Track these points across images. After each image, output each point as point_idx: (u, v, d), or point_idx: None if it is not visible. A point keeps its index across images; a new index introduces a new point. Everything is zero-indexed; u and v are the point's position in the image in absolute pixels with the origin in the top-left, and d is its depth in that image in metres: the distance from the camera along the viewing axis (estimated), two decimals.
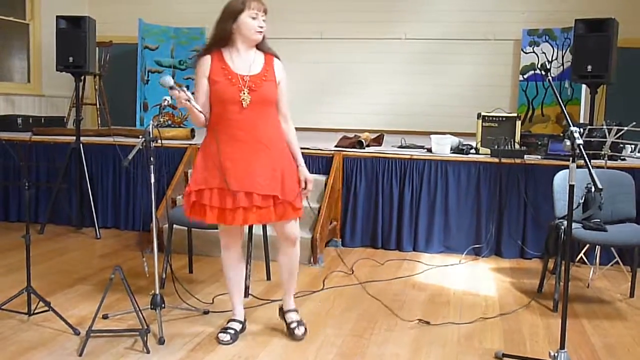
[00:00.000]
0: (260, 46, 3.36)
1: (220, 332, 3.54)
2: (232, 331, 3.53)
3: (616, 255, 5.15)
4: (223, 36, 3.31)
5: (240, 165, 3.23)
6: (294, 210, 3.35)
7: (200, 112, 3.25)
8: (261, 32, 3.27)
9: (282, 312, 3.73)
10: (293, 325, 3.60)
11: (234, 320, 3.61)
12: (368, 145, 6.25)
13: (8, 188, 6.49)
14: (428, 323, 3.88)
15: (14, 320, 3.69)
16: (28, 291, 3.68)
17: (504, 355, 3.36)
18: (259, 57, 3.35)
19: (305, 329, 3.61)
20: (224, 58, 3.30)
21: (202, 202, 3.30)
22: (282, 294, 3.76)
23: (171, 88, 3.20)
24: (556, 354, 3.07)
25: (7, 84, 8.03)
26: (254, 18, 3.25)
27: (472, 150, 5.86)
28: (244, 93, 3.23)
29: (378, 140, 6.57)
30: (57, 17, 6.35)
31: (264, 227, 4.75)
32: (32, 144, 6.44)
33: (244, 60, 3.30)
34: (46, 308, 3.65)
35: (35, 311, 3.69)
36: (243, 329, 3.63)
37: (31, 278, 3.69)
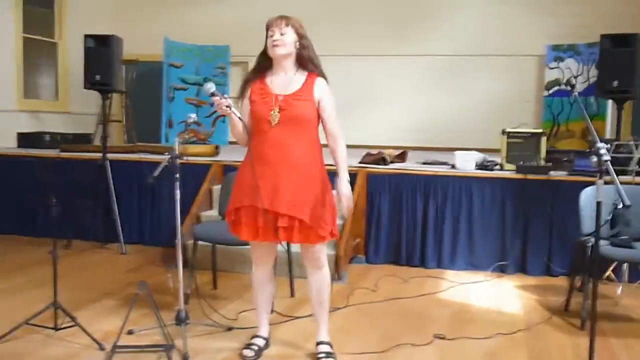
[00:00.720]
0: (304, 66, 3.35)
1: (245, 349, 3.54)
2: (255, 347, 3.53)
3: None
4: (259, 60, 3.38)
5: (268, 183, 3.23)
6: (319, 235, 3.31)
7: (240, 119, 3.27)
8: (276, 45, 3.25)
9: (316, 345, 3.60)
10: (320, 355, 3.49)
11: (258, 336, 3.61)
12: (392, 162, 6.24)
13: (36, 204, 6.57)
14: (444, 338, 3.85)
15: (40, 335, 3.72)
16: (55, 306, 3.71)
17: None
18: (300, 77, 3.34)
19: None
20: (265, 79, 3.34)
21: (239, 220, 3.34)
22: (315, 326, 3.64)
23: (212, 94, 3.24)
24: None
25: (36, 102, 8.16)
26: (271, 36, 3.28)
27: (497, 167, 5.82)
28: (274, 112, 3.24)
29: (402, 157, 6.56)
30: (85, 35, 6.46)
31: (288, 244, 4.75)
32: (59, 161, 6.52)
33: (282, 81, 3.32)
34: (72, 323, 3.67)
35: (62, 326, 3.72)
36: (267, 345, 3.63)
37: (57, 293, 3.73)
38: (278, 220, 3.24)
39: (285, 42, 3.26)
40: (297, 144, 3.28)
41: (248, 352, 3.50)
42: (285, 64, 3.32)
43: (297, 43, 3.30)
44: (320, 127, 3.41)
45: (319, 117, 3.36)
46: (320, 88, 3.34)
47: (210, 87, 3.28)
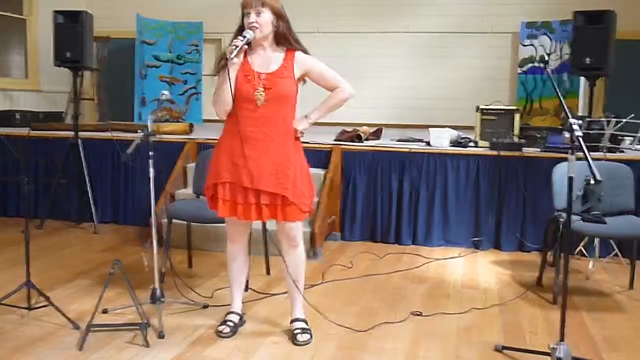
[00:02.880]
0: (281, 42, 3.34)
1: (220, 325, 3.55)
2: (231, 324, 3.55)
3: (615, 248, 5.17)
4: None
5: (251, 162, 3.25)
6: (301, 212, 3.35)
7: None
8: (253, 27, 3.22)
9: (290, 323, 3.62)
10: (296, 331, 3.51)
11: (232, 312, 3.62)
12: (367, 139, 6.25)
13: (6, 183, 6.48)
14: (420, 314, 3.89)
15: (14, 315, 3.69)
16: (28, 286, 3.68)
17: (504, 347, 3.37)
18: (279, 54, 3.34)
19: (311, 336, 3.50)
20: (246, 57, 3.31)
21: (216, 196, 3.35)
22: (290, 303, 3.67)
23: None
24: (556, 347, 3.07)
25: (5, 80, 8.01)
26: (247, 16, 3.25)
27: (471, 144, 5.85)
28: (259, 91, 3.24)
29: (377, 134, 6.56)
30: (54, 12, 6.34)
31: (263, 222, 4.74)
32: (30, 140, 6.43)
33: (263, 59, 3.32)
34: (46, 303, 3.65)
35: (35, 306, 3.69)
36: (242, 322, 3.65)
37: (31, 273, 3.69)
38: (261, 198, 3.27)
39: (262, 23, 3.24)
40: (280, 121, 3.30)
41: (224, 328, 3.52)
42: (264, 43, 3.31)
43: (275, 21, 3.28)
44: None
45: (297, 93, 3.36)
46: (300, 62, 3.34)
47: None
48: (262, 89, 3.25)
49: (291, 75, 3.31)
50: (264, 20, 3.24)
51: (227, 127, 3.37)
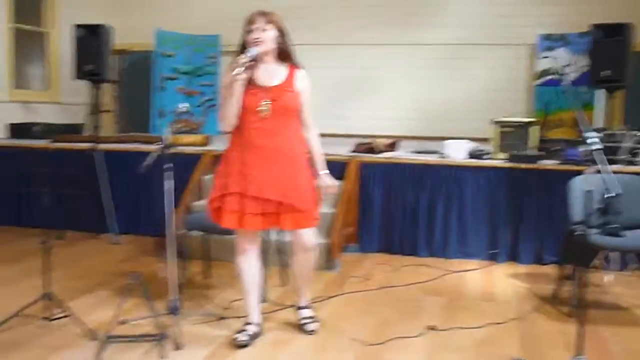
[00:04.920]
0: (283, 58, 3.49)
1: (237, 334, 3.57)
2: (248, 333, 3.57)
3: (635, 261, 5.12)
4: (240, 53, 3.41)
5: (258, 172, 3.37)
6: (309, 220, 3.47)
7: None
8: (258, 43, 3.37)
9: (296, 310, 3.88)
10: (304, 321, 3.75)
11: (249, 323, 3.64)
12: (380, 152, 6.25)
13: (28, 194, 6.55)
14: (434, 329, 3.87)
15: (33, 325, 3.72)
16: (47, 296, 3.72)
17: None
18: (283, 70, 3.48)
19: (317, 324, 3.74)
20: (253, 72, 3.43)
21: (223, 207, 3.42)
22: (297, 294, 3.90)
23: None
24: None
25: (26, 92, 8.11)
26: (251, 33, 3.39)
27: (488, 156, 5.84)
28: (264, 104, 3.36)
29: (392, 146, 6.56)
30: (74, 25, 6.42)
31: (280, 233, 4.76)
32: (50, 151, 6.51)
33: (267, 73, 3.45)
34: (65, 313, 3.68)
35: (55, 316, 3.73)
36: (259, 333, 3.65)
37: (50, 283, 3.73)
38: (267, 207, 3.38)
39: (266, 39, 3.39)
40: (285, 132, 3.44)
41: (241, 337, 3.53)
42: (267, 58, 3.45)
43: (278, 38, 3.44)
44: None
45: (300, 106, 3.52)
46: (301, 80, 3.52)
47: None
48: (266, 102, 3.38)
49: (294, 89, 3.47)
50: (269, 37, 3.40)
51: (233, 139, 3.51)
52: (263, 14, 3.41)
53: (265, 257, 4.44)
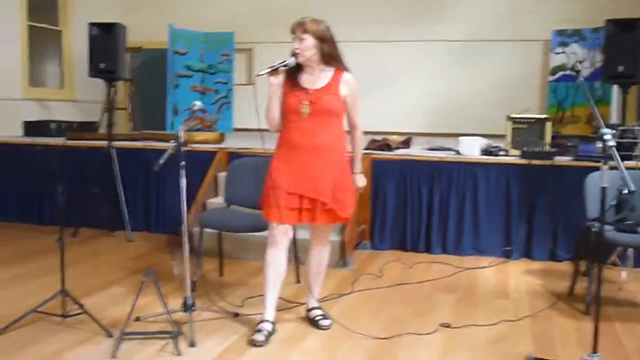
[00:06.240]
0: (328, 62, 3.63)
1: (255, 334, 3.58)
2: (265, 332, 3.58)
3: None
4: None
5: (295, 169, 3.57)
6: (337, 218, 3.66)
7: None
8: (297, 53, 3.54)
9: (307, 312, 3.94)
10: (318, 318, 3.84)
11: (265, 321, 3.65)
12: (396, 148, 6.24)
13: (42, 192, 6.60)
14: (448, 326, 3.86)
15: (48, 322, 3.76)
16: (63, 293, 3.74)
17: (535, 358, 3.34)
18: (327, 73, 3.64)
19: (331, 321, 3.82)
20: (297, 75, 3.63)
21: (266, 200, 3.63)
22: (307, 295, 3.97)
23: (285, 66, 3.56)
24: (588, 358, 3.04)
25: (41, 90, 8.17)
26: (294, 41, 3.57)
27: (502, 152, 5.82)
28: (304, 105, 3.54)
29: (406, 143, 6.56)
30: (89, 23, 6.46)
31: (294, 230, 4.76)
32: (65, 149, 6.56)
33: (311, 77, 3.63)
34: (80, 310, 3.71)
35: (70, 313, 3.75)
36: (274, 329, 3.67)
37: (65, 280, 3.76)
38: (303, 203, 3.55)
39: (304, 49, 3.54)
40: (324, 133, 3.60)
41: (259, 337, 3.54)
42: (310, 63, 3.60)
43: (317, 45, 3.55)
44: None
45: (344, 109, 3.68)
46: (346, 84, 3.66)
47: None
48: (307, 103, 3.54)
49: (337, 92, 3.62)
50: (306, 46, 3.54)
51: (281, 137, 3.68)
52: (300, 23, 3.56)
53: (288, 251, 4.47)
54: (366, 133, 6.23)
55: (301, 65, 3.60)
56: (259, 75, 3.51)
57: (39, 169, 6.48)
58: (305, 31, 3.53)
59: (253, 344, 3.52)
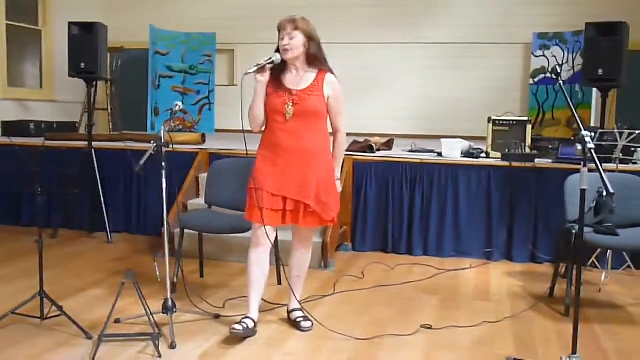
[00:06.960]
0: (313, 63, 3.61)
1: (234, 324, 3.56)
2: (245, 325, 3.57)
3: (628, 260, 5.14)
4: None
5: (279, 171, 3.54)
6: (321, 221, 3.66)
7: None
8: (285, 49, 3.52)
9: (288, 313, 3.93)
10: (299, 319, 3.81)
11: (248, 317, 3.64)
12: (378, 150, 6.25)
13: (21, 193, 6.53)
14: (431, 327, 3.86)
15: (27, 324, 3.71)
16: (41, 295, 3.70)
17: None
18: (310, 74, 3.62)
19: (312, 323, 3.80)
20: (281, 75, 3.61)
21: (249, 202, 3.63)
22: (289, 296, 3.95)
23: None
24: (568, 359, 3.06)
25: (20, 90, 8.08)
26: (281, 40, 3.55)
27: (483, 155, 5.85)
28: (288, 106, 3.53)
29: (388, 145, 6.57)
30: (69, 23, 6.40)
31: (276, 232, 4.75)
32: (44, 150, 6.49)
33: (294, 78, 3.61)
34: (59, 312, 3.67)
35: (48, 315, 3.71)
36: (255, 328, 3.65)
37: (44, 282, 3.72)
38: (286, 204, 3.55)
39: (294, 46, 3.53)
40: (309, 135, 3.58)
41: (237, 326, 3.53)
42: (296, 63, 3.59)
43: (306, 43, 3.56)
44: None
45: (326, 110, 3.65)
46: (330, 85, 3.63)
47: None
48: (291, 104, 3.53)
49: (320, 94, 3.59)
50: (296, 43, 3.52)
51: (264, 138, 3.68)
52: (291, 20, 3.55)
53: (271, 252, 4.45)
54: (350, 134, 6.24)
55: (284, 65, 3.58)
56: (247, 73, 3.48)
57: (18, 170, 6.41)
58: (296, 28, 3.52)
59: (231, 332, 3.51)
